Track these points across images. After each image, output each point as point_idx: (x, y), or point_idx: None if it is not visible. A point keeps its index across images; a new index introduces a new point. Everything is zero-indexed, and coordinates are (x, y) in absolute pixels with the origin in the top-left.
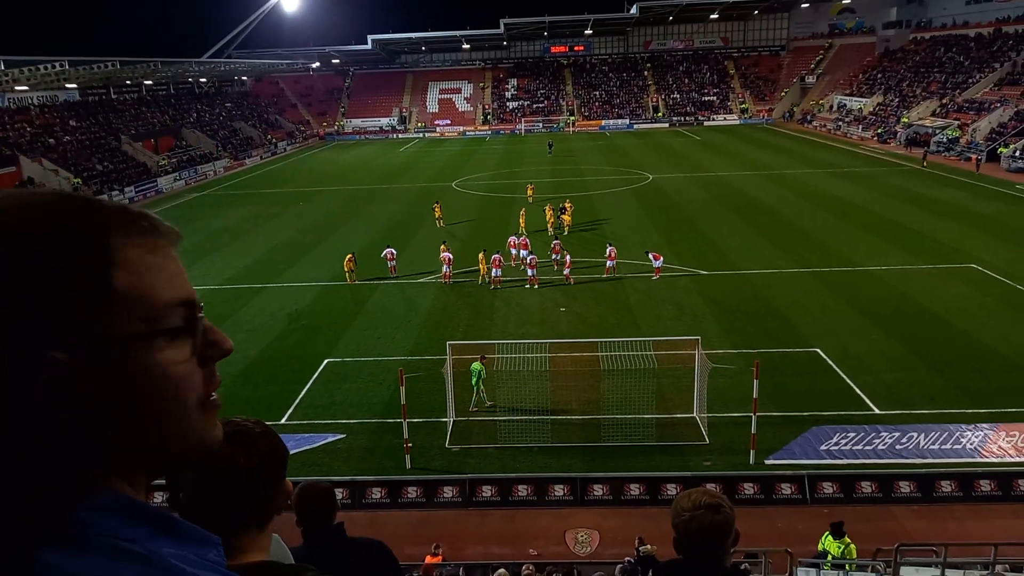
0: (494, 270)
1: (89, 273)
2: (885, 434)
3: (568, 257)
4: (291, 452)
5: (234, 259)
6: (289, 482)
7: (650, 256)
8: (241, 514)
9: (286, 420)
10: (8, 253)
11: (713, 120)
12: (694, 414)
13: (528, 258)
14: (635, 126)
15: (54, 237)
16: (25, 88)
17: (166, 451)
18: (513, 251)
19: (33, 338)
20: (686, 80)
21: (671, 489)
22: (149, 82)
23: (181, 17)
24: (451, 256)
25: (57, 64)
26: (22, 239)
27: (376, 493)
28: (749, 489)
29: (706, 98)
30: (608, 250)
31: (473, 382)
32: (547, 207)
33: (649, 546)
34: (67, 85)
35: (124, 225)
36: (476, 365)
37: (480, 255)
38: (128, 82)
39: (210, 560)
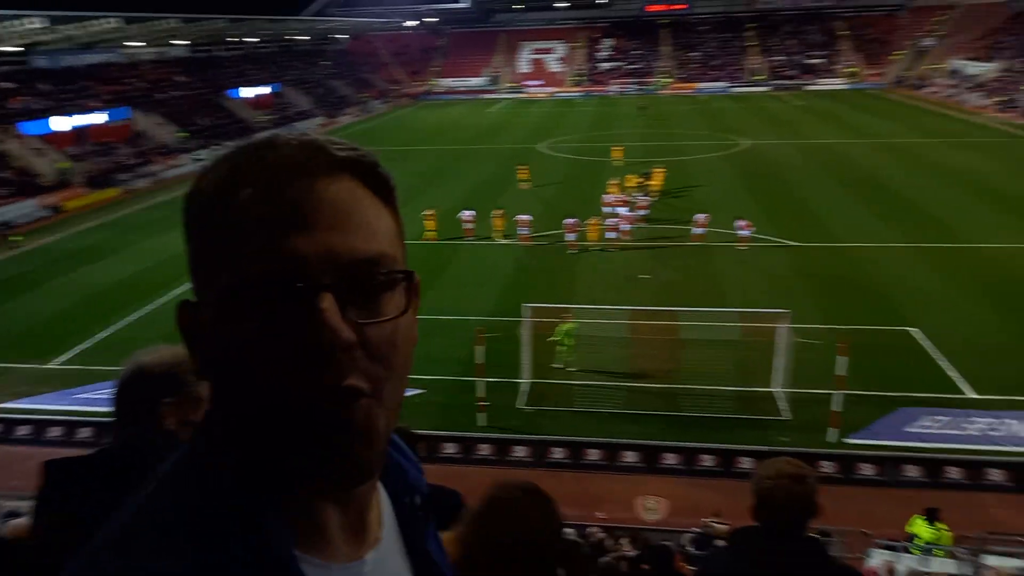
0: (568, 234)
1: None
2: (978, 419)
3: (624, 212)
4: None
5: None
6: None
7: (736, 224)
8: None
9: None
10: None
11: (816, 84)
12: (774, 388)
13: (616, 221)
14: (732, 90)
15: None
16: (140, 44)
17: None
18: (607, 209)
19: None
20: (791, 42)
21: (745, 462)
22: (253, 40)
23: None
24: (530, 218)
25: (170, 21)
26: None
27: (450, 448)
28: (827, 468)
29: (811, 61)
30: (697, 217)
31: (564, 341)
32: (629, 175)
33: (720, 526)
34: (177, 42)
35: None
36: (565, 325)
37: (590, 220)
38: (233, 39)
39: None
